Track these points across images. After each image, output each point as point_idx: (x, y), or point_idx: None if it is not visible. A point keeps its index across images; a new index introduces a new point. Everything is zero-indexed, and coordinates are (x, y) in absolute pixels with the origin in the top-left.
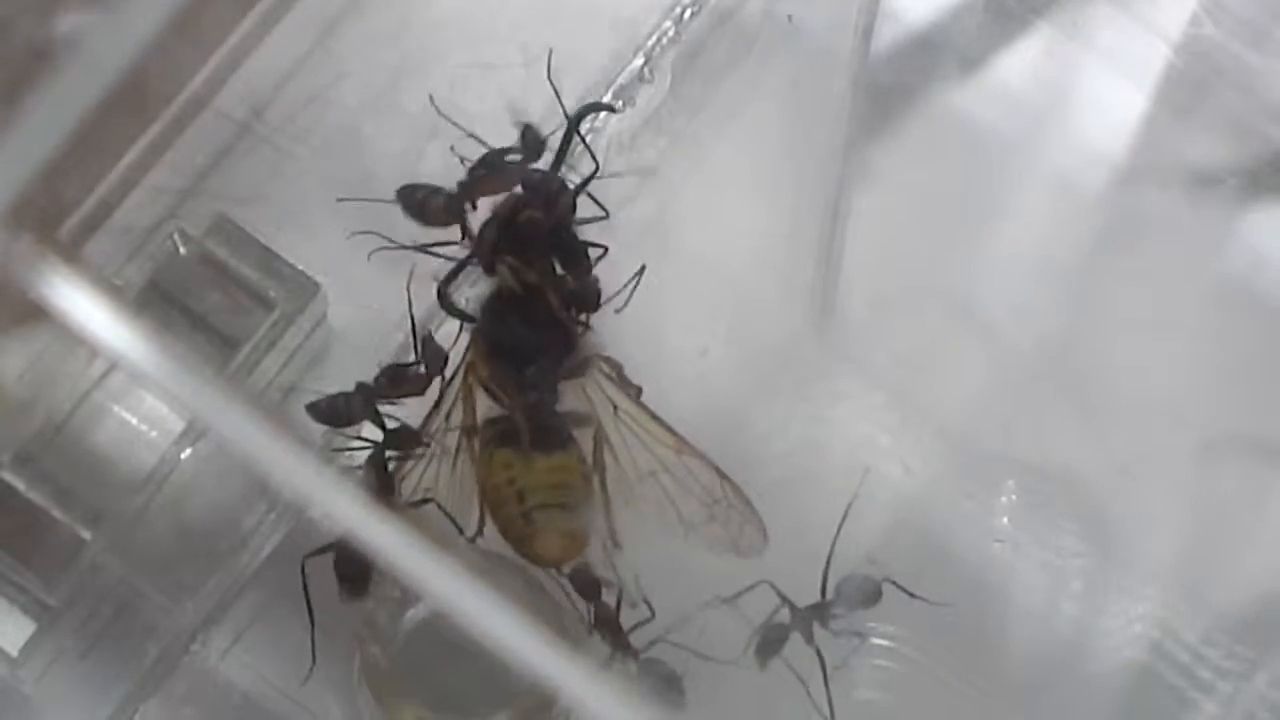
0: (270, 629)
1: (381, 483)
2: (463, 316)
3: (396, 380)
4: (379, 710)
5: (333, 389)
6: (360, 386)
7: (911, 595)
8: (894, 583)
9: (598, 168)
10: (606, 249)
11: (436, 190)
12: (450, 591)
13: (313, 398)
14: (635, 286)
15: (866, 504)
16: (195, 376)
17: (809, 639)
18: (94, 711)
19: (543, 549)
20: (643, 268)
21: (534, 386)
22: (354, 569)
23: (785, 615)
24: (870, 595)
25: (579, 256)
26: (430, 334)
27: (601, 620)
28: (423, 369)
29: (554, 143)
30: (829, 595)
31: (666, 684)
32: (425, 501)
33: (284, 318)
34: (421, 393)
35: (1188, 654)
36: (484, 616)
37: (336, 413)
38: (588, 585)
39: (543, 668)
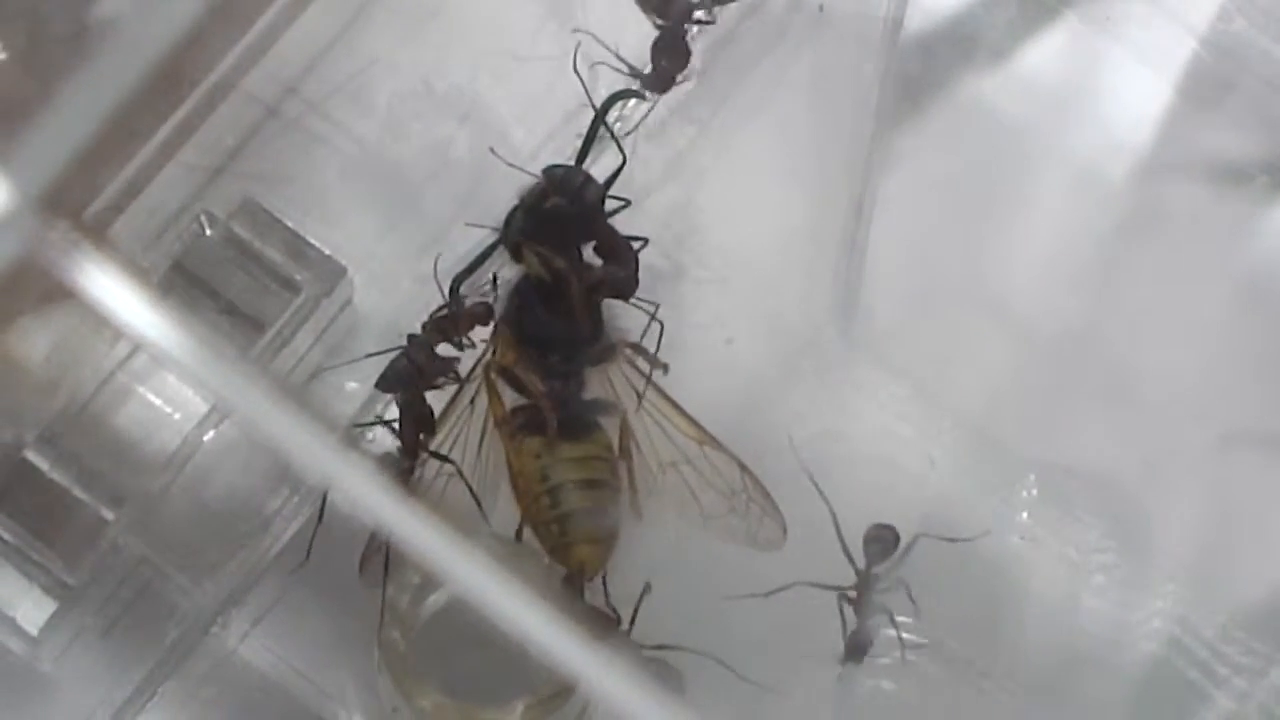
0: (291, 612)
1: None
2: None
3: (443, 325)
4: (397, 695)
5: (359, 374)
6: (412, 338)
7: (942, 538)
8: (928, 535)
9: (624, 160)
10: (646, 240)
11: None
12: (471, 579)
13: (343, 379)
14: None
15: (887, 494)
16: (221, 362)
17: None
18: (113, 691)
19: (578, 559)
20: (656, 306)
21: (560, 374)
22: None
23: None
24: (886, 544)
25: (623, 250)
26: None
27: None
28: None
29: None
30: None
31: (666, 682)
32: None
33: (310, 301)
34: (471, 329)
35: (1206, 649)
36: (504, 605)
37: (402, 374)
38: (572, 589)
39: (562, 657)
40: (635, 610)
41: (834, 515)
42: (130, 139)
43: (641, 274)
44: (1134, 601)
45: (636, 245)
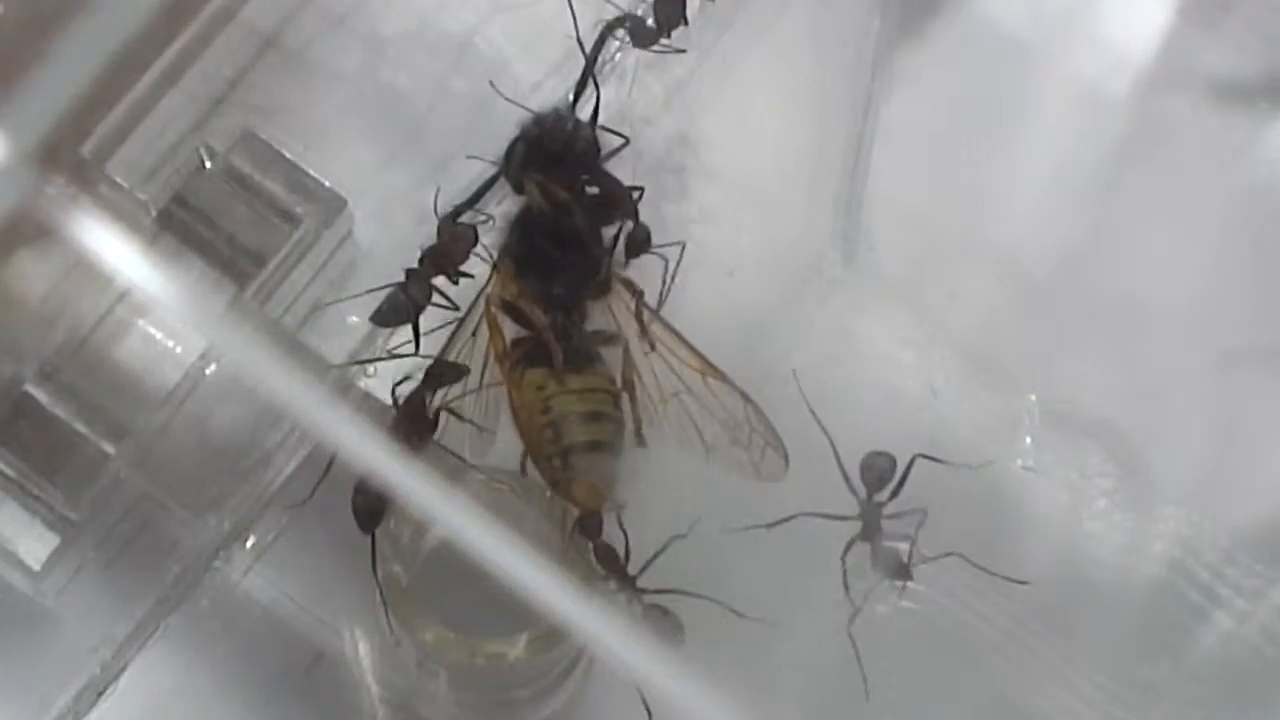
0: (293, 545)
1: (419, 422)
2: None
3: (439, 256)
4: (400, 628)
5: (359, 306)
6: (409, 272)
7: (937, 460)
8: (927, 456)
9: (598, 95)
10: (643, 189)
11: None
12: (461, 527)
13: (344, 312)
14: (670, 282)
15: (890, 420)
16: (213, 317)
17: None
18: (116, 625)
19: (580, 492)
20: (682, 250)
21: (561, 306)
22: (370, 503)
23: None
24: (883, 471)
25: (624, 201)
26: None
27: (604, 560)
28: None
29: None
30: (860, 489)
31: (667, 631)
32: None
33: (310, 233)
34: (464, 258)
35: (1207, 571)
36: (494, 552)
37: (400, 307)
38: (590, 525)
39: (550, 602)
40: (653, 557)
41: (834, 447)
42: (129, 71)
43: (643, 203)
44: (1136, 525)
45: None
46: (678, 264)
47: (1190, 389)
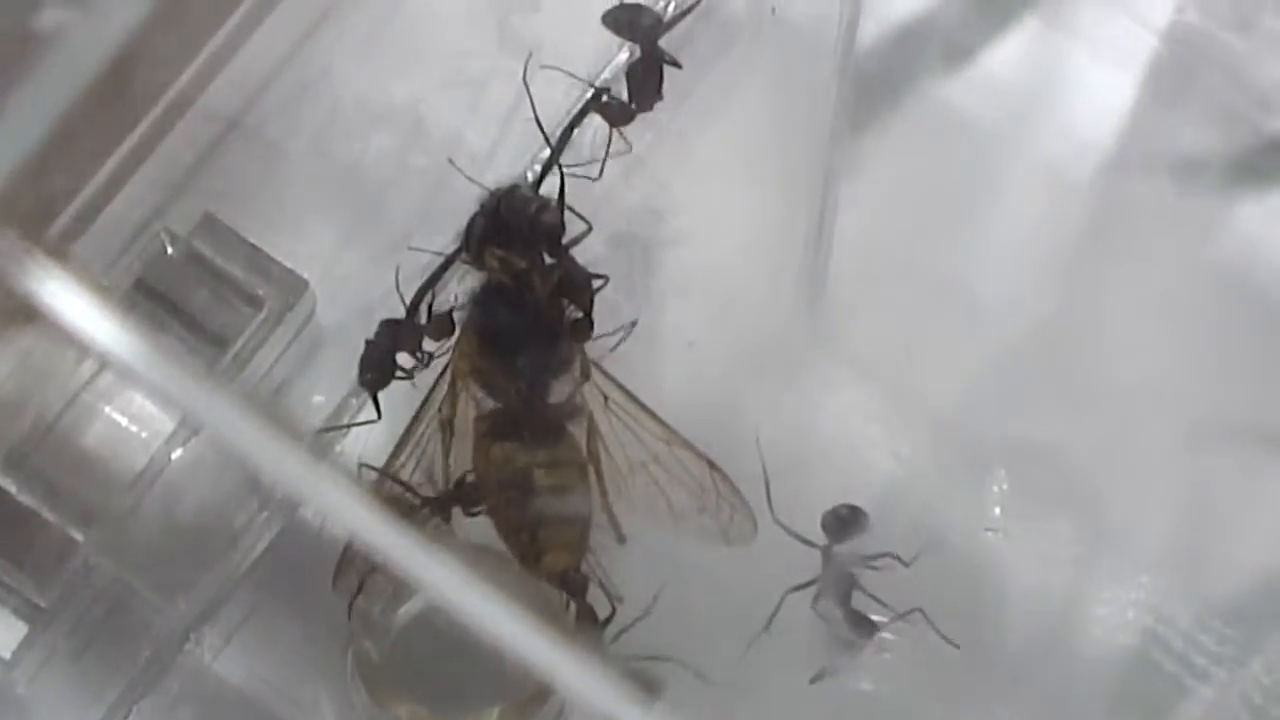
0: (263, 627)
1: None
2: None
3: (403, 333)
4: (372, 705)
5: (322, 387)
6: (385, 324)
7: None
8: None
9: (563, 178)
10: (607, 278)
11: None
12: (445, 585)
13: (309, 392)
14: (626, 336)
15: (858, 493)
16: (184, 372)
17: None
18: (88, 712)
19: (548, 566)
20: (634, 323)
21: (525, 378)
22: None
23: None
24: (844, 521)
25: (583, 291)
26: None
27: (584, 618)
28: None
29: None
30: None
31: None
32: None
33: (272, 315)
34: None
35: (1182, 640)
36: (478, 609)
37: (384, 361)
38: (575, 583)
39: (538, 659)
40: (629, 625)
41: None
42: (89, 158)
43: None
44: (1108, 593)
45: (597, 283)
46: (624, 337)
47: (1159, 459)
